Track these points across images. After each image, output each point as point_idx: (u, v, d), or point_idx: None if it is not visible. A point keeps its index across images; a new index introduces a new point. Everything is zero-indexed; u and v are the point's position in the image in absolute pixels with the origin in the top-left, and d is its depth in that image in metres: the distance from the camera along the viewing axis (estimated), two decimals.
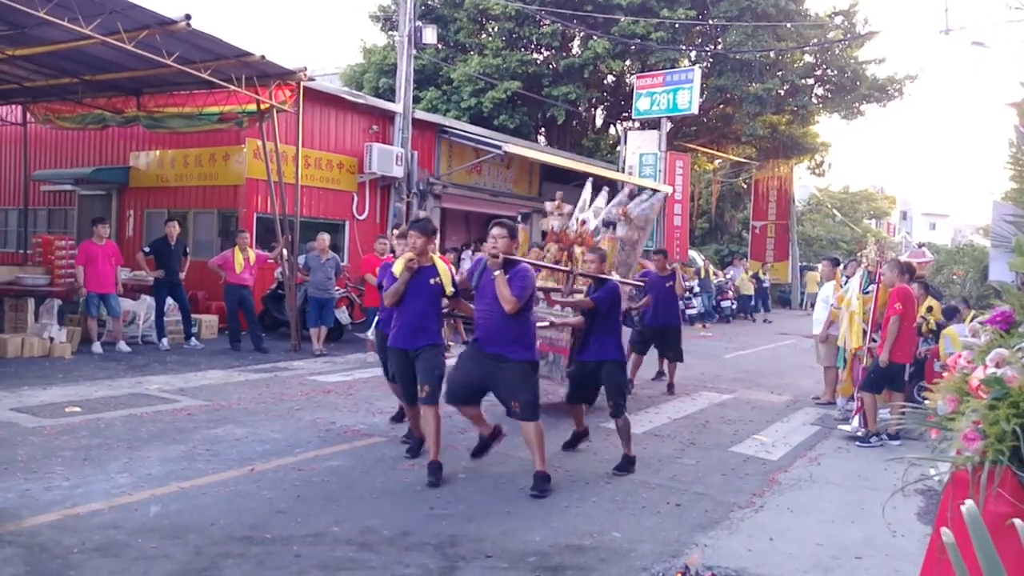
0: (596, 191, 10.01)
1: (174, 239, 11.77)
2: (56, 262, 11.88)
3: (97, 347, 10.82)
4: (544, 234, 9.38)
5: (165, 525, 4.58)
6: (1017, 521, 1.35)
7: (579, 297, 7.12)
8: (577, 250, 8.95)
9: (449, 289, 5.97)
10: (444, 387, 5.95)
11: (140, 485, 5.30)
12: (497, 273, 5.63)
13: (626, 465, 6.36)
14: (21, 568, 3.91)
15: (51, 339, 10.43)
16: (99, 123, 13.83)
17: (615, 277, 7.14)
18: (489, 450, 6.25)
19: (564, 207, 9.42)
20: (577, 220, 9.34)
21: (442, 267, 6.01)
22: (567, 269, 7.84)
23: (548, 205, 9.49)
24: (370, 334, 11.53)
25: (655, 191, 10.27)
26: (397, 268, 5.94)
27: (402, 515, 5.00)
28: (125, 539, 4.34)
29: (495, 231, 5.77)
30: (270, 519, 4.79)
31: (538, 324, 7.46)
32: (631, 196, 9.80)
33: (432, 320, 6.01)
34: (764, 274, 27.45)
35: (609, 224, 9.02)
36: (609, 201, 9.86)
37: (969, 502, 1.40)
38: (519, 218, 10.03)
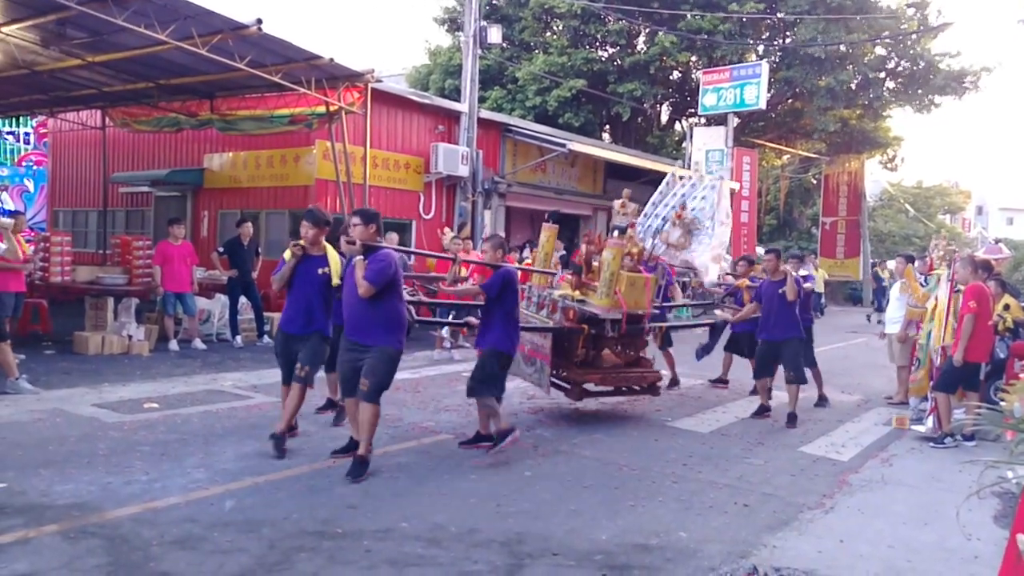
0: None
1: (247, 239, 12.05)
2: (134, 262, 12.27)
3: (174, 345, 11.16)
4: (612, 232, 8.73)
5: (240, 519, 4.72)
6: None
7: (468, 286, 7.23)
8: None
9: (336, 280, 6.17)
10: (339, 380, 6.18)
11: (216, 480, 5.47)
12: (358, 259, 5.67)
13: (478, 439, 6.51)
14: (104, 559, 4.08)
15: (129, 337, 10.77)
16: (174, 126, 14.28)
17: (511, 265, 7.12)
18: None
19: (629, 206, 9.26)
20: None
21: (333, 257, 6.25)
22: (452, 257, 7.56)
23: (615, 203, 9.43)
24: (444, 332, 11.70)
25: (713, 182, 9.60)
26: (286, 255, 6.23)
27: (469, 512, 5.06)
28: (202, 532, 4.48)
29: (352, 219, 5.84)
30: (341, 514, 4.90)
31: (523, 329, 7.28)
32: (691, 186, 9.50)
33: (319, 308, 6.25)
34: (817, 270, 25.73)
35: (618, 229, 8.38)
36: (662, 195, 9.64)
37: None
38: (547, 216, 9.90)
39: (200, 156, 16.47)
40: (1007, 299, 8.97)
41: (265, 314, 12.54)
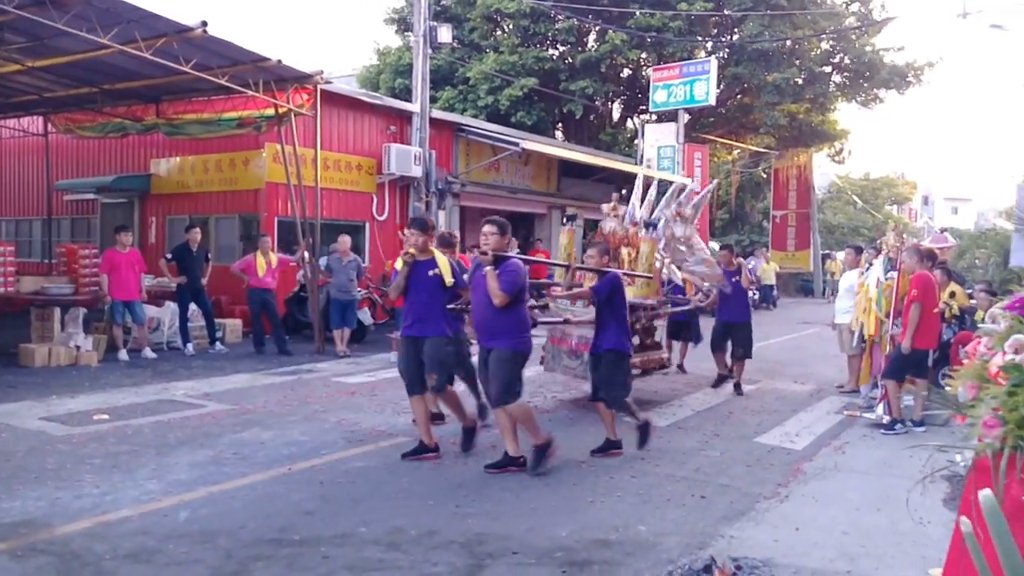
0: (645, 191, 9.97)
1: (196, 245, 11.88)
2: (80, 271, 12.03)
3: (123, 354, 10.94)
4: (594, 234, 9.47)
5: (195, 530, 4.64)
6: None
7: (581, 290, 7.41)
8: (624, 251, 9.32)
9: (448, 280, 6.29)
10: (481, 388, 6.31)
11: (169, 491, 5.37)
12: (488, 269, 5.86)
13: (608, 447, 6.62)
14: None
15: (77, 348, 10.55)
16: (119, 131, 13.99)
17: (616, 269, 7.32)
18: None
19: (619, 209, 9.68)
20: (630, 221, 9.50)
21: (441, 260, 6.35)
22: (565, 264, 8.16)
23: (604, 207, 9.74)
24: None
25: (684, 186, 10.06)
26: (398, 265, 6.38)
27: (429, 514, 5.03)
28: (156, 545, 4.40)
29: (485, 228, 6.02)
30: (298, 521, 4.84)
31: (561, 321, 7.96)
32: (678, 193, 9.71)
33: (435, 310, 6.32)
34: (768, 263, 26.01)
35: (651, 225, 9.07)
36: (651, 199, 9.89)
37: (986, 490, 1.40)
38: (564, 220, 10.18)
39: (147, 161, 16.19)
40: (953, 287, 9.21)
41: (216, 321, 12.38)
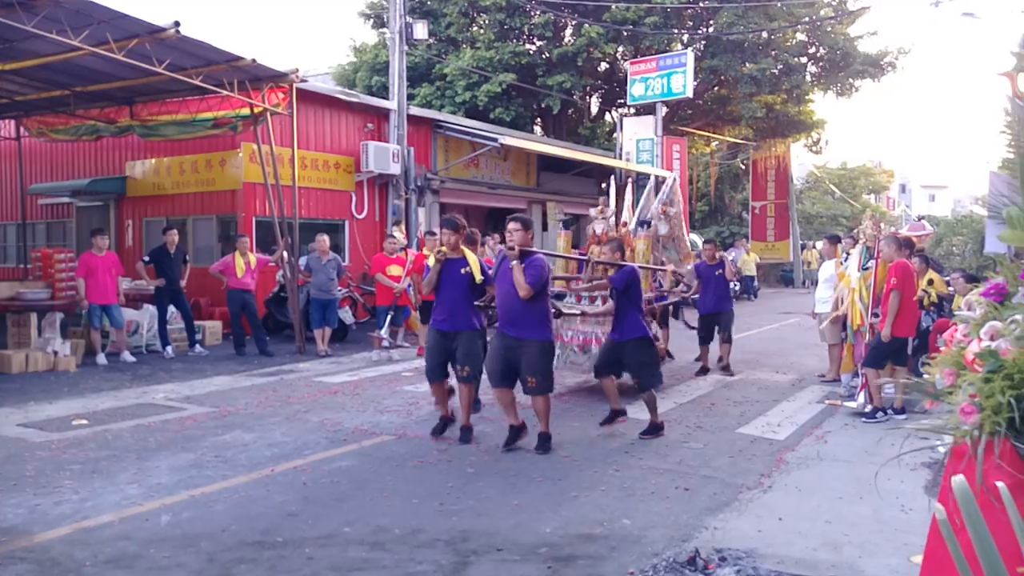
0: (639, 190, 10.56)
1: (173, 247, 11.78)
2: (56, 276, 11.88)
3: (101, 358, 10.84)
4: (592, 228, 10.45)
5: (177, 534, 4.60)
6: (1000, 485, 1.36)
7: (599, 282, 7.95)
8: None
9: (478, 277, 6.71)
10: (485, 372, 6.71)
11: (150, 495, 5.32)
12: (514, 263, 6.29)
13: (653, 430, 7.06)
14: None
15: (55, 353, 10.44)
16: (93, 134, 13.84)
17: (632, 264, 7.83)
18: (518, 441, 6.66)
19: (607, 210, 10.38)
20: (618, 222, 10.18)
21: (472, 258, 6.80)
22: (583, 257, 8.78)
23: (592, 210, 10.11)
24: (383, 332, 11.58)
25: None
26: (430, 262, 6.88)
27: (412, 513, 5.01)
28: (137, 550, 4.36)
29: (511, 226, 6.48)
30: (281, 523, 4.81)
31: (577, 315, 8.72)
32: (656, 188, 10.40)
33: (466, 306, 6.76)
34: (748, 254, 26.22)
35: (644, 223, 9.74)
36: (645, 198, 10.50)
37: (959, 476, 1.41)
38: (561, 224, 10.86)
39: (122, 164, 16.03)
40: (931, 274, 9.28)
41: (196, 323, 12.28)
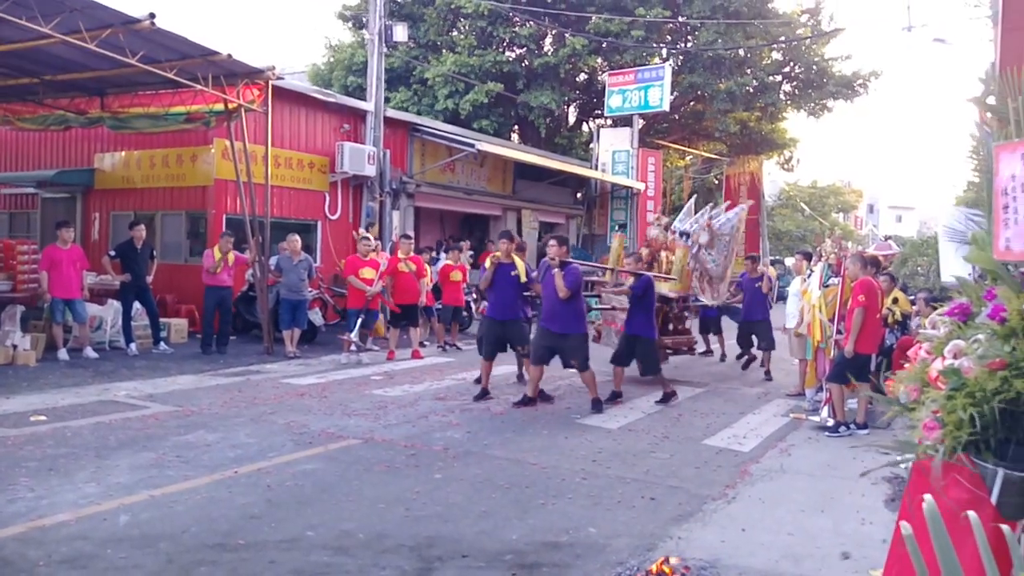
0: (698, 208, 11.80)
1: (140, 242, 11.62)
2: (19, 267, 11.65)
3: (63, 354, 10.64)
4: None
5: (135, 534, 4.52)
6: (971, 514, 1.37)
7: (623, 287, 9.75)
8: (663, 254, 11.41)
9: (523, 278, 8.85)
10: (531, 352, 8.69)
11: (109, 494, 5.22)
12: (555, 271, 8.18)
13: (667, 398, 9.20)
14: None
15: (14, 347, 10.25)
16: (61, 124, 13.58)
17: (648, 272, 9.87)
18: (525, 406, 8.53)
19: (663, 219, 12.26)
20: (671, 231, 11.47)
21: (519, 263, 8.90)
22: (610, 267, 10.96)
23: (651, 216, 11.28)
24: (354, 335, 11.50)
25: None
26: (487, 264, 8.98)
27: (378, 518, 4.98)
28: (94, 550, 4.28)
29: (551, 242, 8.31)
30: (243, 525, 4.75)
31: (610, 308, 10.72)
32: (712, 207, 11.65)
33: (515, 301, 8.99)
34: None
35: (684, 235, 11.00)
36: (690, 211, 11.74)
37: (928, 497, 1.42)
38: (616, 228, 12.77)
39: (90, 156, 15.78)
40: (896, 293, 9.41)
41: (161, 320, 12.12)
